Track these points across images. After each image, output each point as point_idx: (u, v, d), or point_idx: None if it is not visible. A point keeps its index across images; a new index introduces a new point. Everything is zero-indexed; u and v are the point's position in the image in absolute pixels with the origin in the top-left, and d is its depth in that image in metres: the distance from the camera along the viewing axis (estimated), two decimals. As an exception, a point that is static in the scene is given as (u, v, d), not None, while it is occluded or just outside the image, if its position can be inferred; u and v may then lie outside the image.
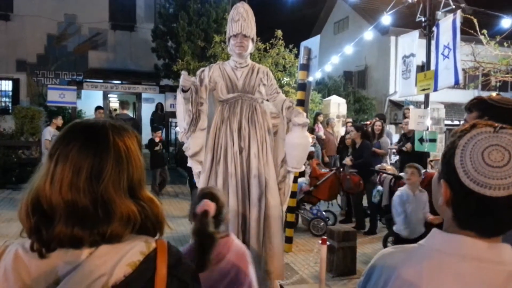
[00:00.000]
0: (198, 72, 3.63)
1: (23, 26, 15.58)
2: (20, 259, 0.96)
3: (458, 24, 5.82)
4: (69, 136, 1.02)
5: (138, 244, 1.00)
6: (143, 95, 16.58)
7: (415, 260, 0.91)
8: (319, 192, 6.70)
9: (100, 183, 0.98)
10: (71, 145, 0.99)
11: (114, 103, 17.85)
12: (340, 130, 10.97)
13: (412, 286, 0.87)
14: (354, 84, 18.40)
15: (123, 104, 10.13)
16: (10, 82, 16.31)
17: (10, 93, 16.42)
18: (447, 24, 6.03)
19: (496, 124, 0.89)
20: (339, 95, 13.22)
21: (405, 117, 7.88)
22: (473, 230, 0.89)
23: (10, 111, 14.80)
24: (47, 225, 0.96)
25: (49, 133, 8.62)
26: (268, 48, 10.67)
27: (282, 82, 10.82)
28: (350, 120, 10.76)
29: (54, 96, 12.22)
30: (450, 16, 6.01)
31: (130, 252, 0.98)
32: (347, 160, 6.88)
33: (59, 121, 8.99)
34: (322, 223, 6.52)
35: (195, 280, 1.06)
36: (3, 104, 16.54)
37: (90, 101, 15.97)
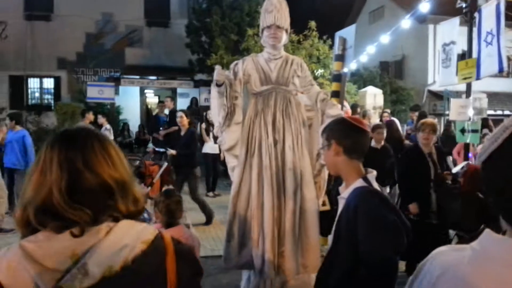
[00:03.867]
0: (231, 66, 3.61)
1: (63, 26, 16.10)
2: (29, 248, 0.97)
3: (503, 9, 5.54)
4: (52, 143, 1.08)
5: (146, 225, 1.09)
6: (178, 90, 16.82)
7: (470, 266, 0.83)
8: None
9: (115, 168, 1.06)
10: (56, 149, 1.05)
11: (150, 98, 18.22)
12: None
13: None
14: (391, 74, 17.92)
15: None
16: (52, 80, 16.96)
17: (52, 90, 17.08)
18: (490, 10, 5.75)
19: None
20: (375, 86, 12.92)
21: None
22: None
23: (52, 107, 15.39)
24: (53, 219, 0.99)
25: None
26: (301, 40, 10.55)
27: (316, 74, 10.68)
28: (388, 110, 10.49)
29: (93, 92, 12.60)
30: (493, 1, 5.72)
31: (144, 231, 1.05)
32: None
33: (90, 116, 9.29)
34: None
35: (195, 257, 1.17)
36: (46, 101, 17.22)
37: (128, 97, 16.39)
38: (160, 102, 12.30)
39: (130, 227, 1.04)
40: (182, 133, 7.09)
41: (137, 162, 6.95)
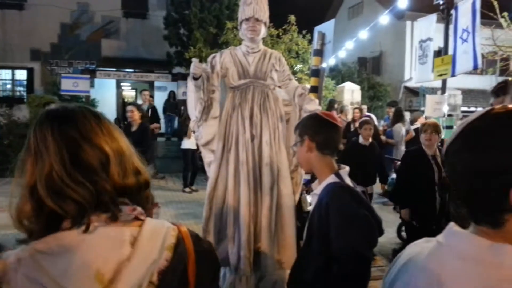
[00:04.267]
0: (209, 59, 3.54)
1: (37, 15, 15.66)
2: (43, 263, 0.85)
3: (478, 7, 5.63)
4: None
5: (166, 224, 0.98)
6: (156, 83, 16.60)
7: (430, 256, 0.87)
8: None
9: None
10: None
11: (127, 91, 17.93)
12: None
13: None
14: (369, 70, 18.11)
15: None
16: (25, 72, 16.49)
17: (25, 82, 16.61)
18: (466, 7, 5.84)
19: None
20: (353, 82, 13.02)
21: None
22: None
23: (25, 100, 14.97)
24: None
25: None
26: (281, 34, 10.51)
27: (295, 68, 10.67)
28: (365, 106, 10.58)
29: (68, 85, 12.26)
30: (469, -1, 5.81)
31: (167, 234, 0.95)
32: None
33: None
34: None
35: (216, 257, 1.05)
36: (18, 93, 16.76)
37: (103, 90, 16.08)
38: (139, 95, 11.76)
39: (156, 233, 0.94)
40: (134, 129, 6.39)
41: None
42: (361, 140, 5.68)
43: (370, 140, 5.71)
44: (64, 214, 0.88)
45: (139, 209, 0.97)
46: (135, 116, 6.40)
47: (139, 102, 11.48)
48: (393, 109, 9.29)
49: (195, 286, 0.94)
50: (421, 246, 0.92)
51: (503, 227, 0.79)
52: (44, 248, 0.86)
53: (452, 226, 0.86)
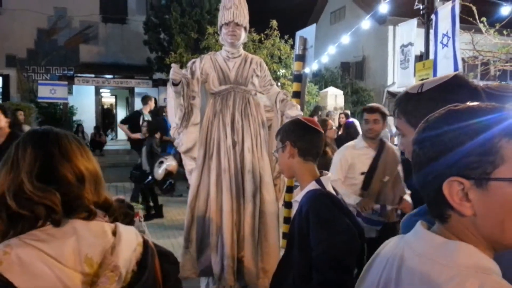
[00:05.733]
0: (189, 64, 3.51)
1: (12, 20, 15.33)
2: (43, 248, 0.93)
3: (457, 11, 5.68)
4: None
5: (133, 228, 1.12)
6: (136, 90, 16.39)
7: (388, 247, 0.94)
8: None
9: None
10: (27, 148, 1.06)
11: (106, 98, 17.65)
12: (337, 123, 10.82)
13: None
14: (352, 75, 18.24)
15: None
16: (0, 78, 16.07)
17: (0, 90, 16.19)
18: (445, 12, 5.89)
19: None
20: (337, 87, 13.07)
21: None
22: None
23: (1, 107, 14.56)
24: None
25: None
26: (263, 39, 10.49)
27: (278, 74, 10.66)
28: (348, 112, 10.59)
29: (45, 92, 12.06)
30: (449, 4, 5.87)
31: (137, 233, 1.09)
32: None
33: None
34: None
35: (177, 260, 1.21)
36: (-7, 101, 16.33)
37: (82, 96, 15.81)
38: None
39: (129, 230, 1.07)
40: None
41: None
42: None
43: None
44: (36, 216, 0.97)
45: (107, 218, 1.09)
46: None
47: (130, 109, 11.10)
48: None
49: (163, 283, 1.08)
50: (392, 242, 0.96)
51: (449, 223, 0.81)
52: (33, 237, 0.95)
53: (418, 224, 0.88)
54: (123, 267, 0.97)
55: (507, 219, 0.74)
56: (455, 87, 1.20)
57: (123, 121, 8.20)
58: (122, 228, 1.05)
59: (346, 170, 3.55)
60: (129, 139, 8.15)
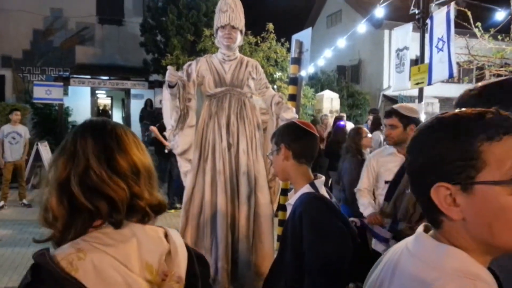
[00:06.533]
0: (185, 66, 3.52)
1: (8, 21, 15.22)
2: (111, 252, 0.91)
3: (453, 16, 5.71)
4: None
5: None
6: (132, 91, 16.34)
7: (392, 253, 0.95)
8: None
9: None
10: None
11: (102, 99, 17.57)
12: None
13: None
14: (348, 78, 18.26)
15: None
16: (-4, 79, 15.98)
17: (-4, 90, 16.10)
18: (441, 17, 5.92)
19: None
20: (333, 90, 13.08)
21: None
22: None
23: (-5, 108, 14.49)
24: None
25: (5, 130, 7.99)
26: (259, 42, 10.50)
27: (274, 76, 10.67)
28: (343, 115, 10.57)
29: (41, 93, 11.97)
30: (444, 8, 5.90)
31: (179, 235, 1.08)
32: None
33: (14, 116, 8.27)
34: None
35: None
36: (-12, 101, 16.21)
37: (78, 97, 15.72)
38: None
39: (175, 232, 1.05)
40: None
41: None
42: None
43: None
44: (96, 211, 0.92)
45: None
46: None
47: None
48: (371, 117, 9.34)
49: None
50: (397, 244, 0.98)
51: (442, 228, 0.83)
52: (99, 240, 0.91)
53: (420, 227, 0.91)
54: (184, 277, 0.96)
55: (494, 222, 0.75)
56: None
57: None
58: (171, 232, 1.02)
59: (374, 179, 3.28)
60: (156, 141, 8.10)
